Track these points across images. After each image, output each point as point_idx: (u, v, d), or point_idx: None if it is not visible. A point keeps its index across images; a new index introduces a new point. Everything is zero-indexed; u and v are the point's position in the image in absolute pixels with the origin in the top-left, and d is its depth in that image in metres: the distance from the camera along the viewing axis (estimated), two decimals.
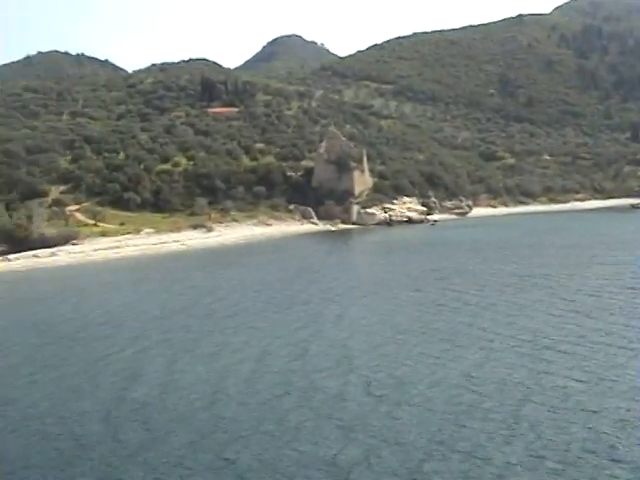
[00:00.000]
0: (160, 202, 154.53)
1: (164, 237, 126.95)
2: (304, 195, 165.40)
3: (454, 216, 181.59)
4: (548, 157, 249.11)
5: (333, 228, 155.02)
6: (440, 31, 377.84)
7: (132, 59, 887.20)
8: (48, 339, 51.23)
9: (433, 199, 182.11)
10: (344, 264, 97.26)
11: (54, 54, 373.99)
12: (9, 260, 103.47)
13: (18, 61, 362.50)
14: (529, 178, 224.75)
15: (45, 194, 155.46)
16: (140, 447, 30.01)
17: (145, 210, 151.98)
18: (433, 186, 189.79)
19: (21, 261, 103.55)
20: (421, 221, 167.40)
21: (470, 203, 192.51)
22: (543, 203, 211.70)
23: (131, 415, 34.11)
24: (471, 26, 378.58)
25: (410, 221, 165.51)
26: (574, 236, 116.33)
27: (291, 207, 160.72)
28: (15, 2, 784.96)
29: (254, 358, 43.55)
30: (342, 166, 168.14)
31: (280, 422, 32.23)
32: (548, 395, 34.57)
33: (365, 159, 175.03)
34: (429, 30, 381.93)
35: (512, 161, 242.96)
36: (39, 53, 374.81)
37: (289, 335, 49.62)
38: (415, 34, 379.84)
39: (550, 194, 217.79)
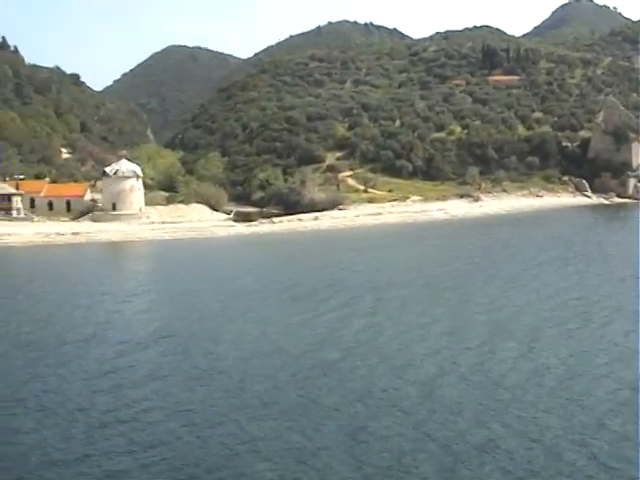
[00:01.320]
0: (431, 170, 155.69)
1: (428, 205, 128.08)
2: (579, 167, 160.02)
3: None
4: None
5: (607, 202, 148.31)
6: None
7: (418, 28, 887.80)
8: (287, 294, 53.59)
9: None
10: (591, 240, 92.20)
11: (343, 24, 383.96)
12: (273, 223, 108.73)
13: (309, 31, 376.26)
14: None
15: (321, 160, 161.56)
16: None
17: (416, 178, 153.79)
18: None
19: (284, 224, 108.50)
20: None
21: None
22: None
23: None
24: None
25: None
26: None
27: (564, 179, 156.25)
28: None
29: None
30: (620, 137, 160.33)
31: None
32: None
33: None
34: None
35: None
36: (329, 23, 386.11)
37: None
38: None
39: None
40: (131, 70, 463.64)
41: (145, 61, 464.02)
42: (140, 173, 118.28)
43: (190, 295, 54.61)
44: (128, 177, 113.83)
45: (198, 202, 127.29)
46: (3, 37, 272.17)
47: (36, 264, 77.14)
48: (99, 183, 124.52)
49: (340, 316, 46.74)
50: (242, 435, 27.42)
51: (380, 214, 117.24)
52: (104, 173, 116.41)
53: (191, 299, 52.96)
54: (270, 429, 27.95)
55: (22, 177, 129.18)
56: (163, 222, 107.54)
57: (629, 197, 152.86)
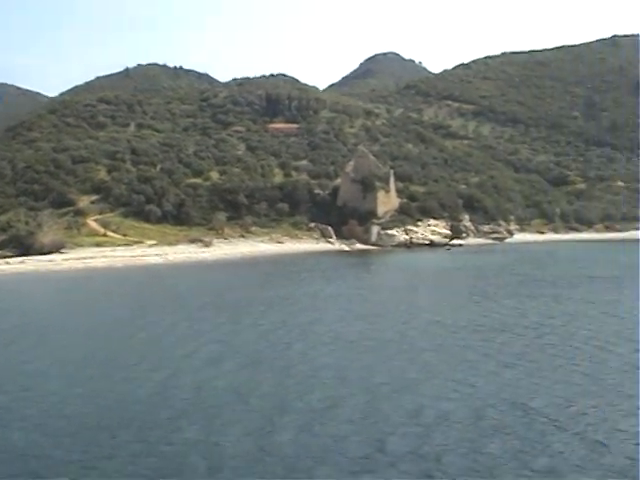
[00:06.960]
0: (182, 215, 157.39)
1: (151, 250, 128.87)
2: (328, 214, 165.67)
3: (491, 241, 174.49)
4: (621, 183, 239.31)
5: (347, 248, 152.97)
6: (530, 51, 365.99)
7: (230, 72, 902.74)
8: None
9: (465, 223, 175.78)
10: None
11: (153, 67, 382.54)
12: None
13: (118, 73, 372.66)
14: (590, 205, 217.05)
15: (73, 203, 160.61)
16: None
17: (166, 223, 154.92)
18: (472, 209, 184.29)
19: None
20: (444, 245, 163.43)
21: (512, 228, 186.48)
22: (599, 231, 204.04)
23: None
24: (563, 47, 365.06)
25: (432, 244, 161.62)
26: (572, 267, 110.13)
27: (311, 225, 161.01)
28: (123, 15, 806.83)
29: None
30: (367, 185, 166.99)
31: None
32: None
33: (392, 179, 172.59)
34: (519, 50, 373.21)
35: (583, 186, 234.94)
36: (138, 65, 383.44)
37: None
38: (504, 54, 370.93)
39: (608, 222, 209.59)
40: None
41: None
42: None
43: None
44: None
45: None
46: None
47: None
48: None
49: None
50: None
51: (92, 258, 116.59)
52: None
53: None
54: None
55: None
56: None
57: (372, 244, 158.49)
